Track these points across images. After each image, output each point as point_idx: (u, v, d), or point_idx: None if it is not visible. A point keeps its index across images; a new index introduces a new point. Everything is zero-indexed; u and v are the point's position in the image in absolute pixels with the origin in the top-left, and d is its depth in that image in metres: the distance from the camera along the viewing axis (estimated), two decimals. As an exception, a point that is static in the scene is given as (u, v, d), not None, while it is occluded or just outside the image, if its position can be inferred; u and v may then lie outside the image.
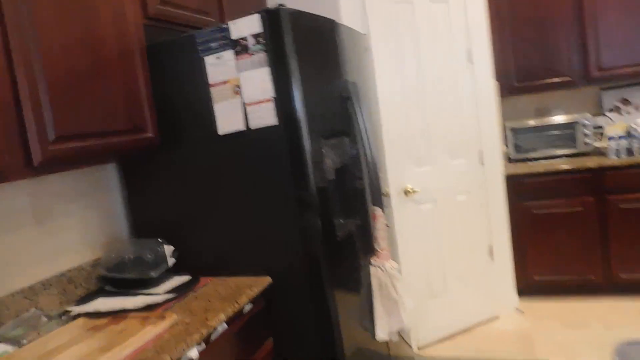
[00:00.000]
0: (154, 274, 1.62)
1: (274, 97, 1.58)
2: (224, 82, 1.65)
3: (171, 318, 1.36)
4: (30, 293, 1.51)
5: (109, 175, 1.89)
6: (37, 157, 1.27)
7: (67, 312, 1.51)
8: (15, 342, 1.33)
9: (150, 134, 1.68)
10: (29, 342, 1.32)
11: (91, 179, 1.80)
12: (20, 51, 1.25)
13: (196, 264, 1.78)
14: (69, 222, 1.69)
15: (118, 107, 1.54)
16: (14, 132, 1.23)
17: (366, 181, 2.03)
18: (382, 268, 1.99)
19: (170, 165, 1.78)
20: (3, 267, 1.46)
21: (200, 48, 1.68)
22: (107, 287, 1.65)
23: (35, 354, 1.24)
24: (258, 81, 1.60)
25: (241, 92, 1.63)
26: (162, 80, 1.74)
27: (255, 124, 1.63)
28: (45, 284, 1.56)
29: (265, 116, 1.61)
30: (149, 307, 1.47)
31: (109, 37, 1.53)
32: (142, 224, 1.88)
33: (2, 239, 1.47)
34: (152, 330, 1.29)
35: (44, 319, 1.44)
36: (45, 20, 1.33)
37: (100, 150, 1.46)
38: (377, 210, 2.02)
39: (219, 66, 1.66)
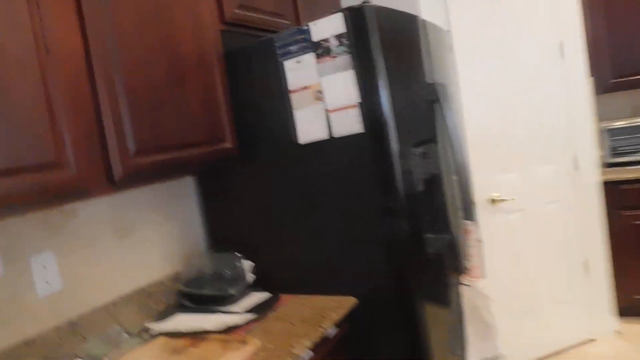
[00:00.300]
0: (232, 291, 1.54)
1: (360, 103, 1.46)
2: (305, 88, 1.55)
3: (253, 344, 1.26)
4: (112, 309, 1.48)
5: (187, 188, 1.84)
6: (118, 172, 1.22)
7: (147, 328, 1.46)
8: (98, 359, 1.29)
9: (228, 145, 1.60)
10: (111, 361, 1.27)
11: (169, 192, 1.76)
12: (101, 61, 1.21)
13: (275, 281, 1.68)
14: (148, 237, 1.66)
15: (197, 117, 1.47)
16: (95, 147, 1.18)
17: (456, 192, 1.86)
18: (474, 288, 1.81)
19: (248, 177, 1.70)
20: (86, 283, 1.44)
21: (279, 52, 1.58)
22: (186, 303, 1.59)
23: (117, 377, 1.19)
24: (342, 85, 1.48)
25: (323, 98, 1.52)
26: (238, 87, 1.67)
27: (338, 131, 1.51)
28: (126, 300, 1.53)
29: (350, 123, 1.48)
30: (229, 329, 1.39)
31: (187, 45, 1.47)
32: (220, 238, 1.81)
33: (85, 255, 1.45)
34: (234, 358, 1.19)
35: (125, 335, 1.40)
36: (125, 29, 1.28)
37: (180, 163, 1.40)
38: (469, 224, 1.84)
39: (299, 71, 1.55)
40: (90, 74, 1.18)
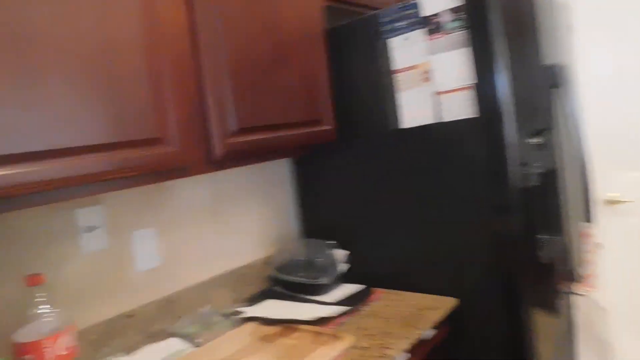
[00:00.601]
0: (324, 280, 1.47)
1: (475, 84, 1.31)
2: (412, 68, 1.42)
3: (346, 340, 1.18)
4: (205, 289, 1.48)
5: (283, 171, 1.80)
6: (218, 150, 1.18)
7: (238, 312, 1.43)
8: (190, 338, 1.28)
9: (328, 127, 1.52)
10: (203, 341, 1.26)
11: (265, 174, 1.73)
12: (207, 38, 1.17)
13: (368, 272, 1.59)
14: (242, 218, 1.64)
15: (298, 97, 1.41)
16: (197, 123, 1.15)
17: (574, 190, 1.64)
18: (589, 299, 1.60)
19: (345, 162, 1.61)
20: (181, 261, 1.44)
21: (384, 29, 1.47)
22: (276, 288, 1.55)
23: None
24: (454, 65, 1.34)
25: (432, 79, 1.38)
26: (339, 67, 1.58)
27: (448, 115, 1.37)
28: (218, 280, 1.52)
29: (462, 107, 1.34)
30: (320, 320, 1.32)
31: (290, 22, 1.40)
32: (314, 224, 1.76)
33: (182, 233, 1.45)
34: (326, 354, 1.12)
35: (217, 317, 1.38)
36: (231, 5, 1.23)
37: (279, 144, 1.35)
38: (587, 227, 1.63)
39: (406, 49, 1.43)
40: (195, 50, 1.15)
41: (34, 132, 0.84)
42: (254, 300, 1.52)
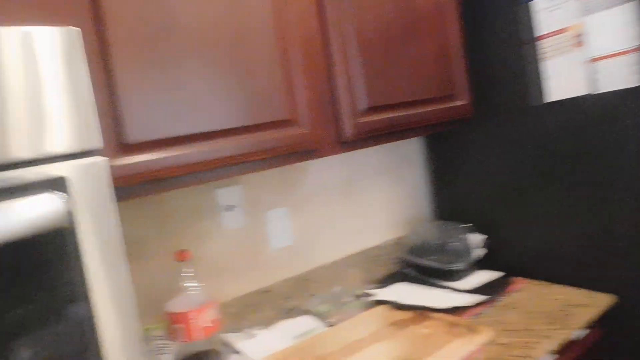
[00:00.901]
0: (459, 265, 1.39)
1: (643, 46, 1.11)
2: (560, 31, 1.25)
3: (484, 333, 1.10)
4: (336, 268, 1.50)
5: (414, 151, 1.74)
6: (348, 130, 1.17)
7: (368, 293, 1.43)
8: (323, 317, 1.31)
9: (463, 102, 1.42)
10: (334, 321, 1.28)
11: (395, 154, 1.68)
12: (335, 14, 1.16)
13: (507, 259, 1.47)
14: (373, 199, 1.62)
15: (430, 72, 1.33)
16: (327, 104, 1.15)
17: None
18: None
19: (482, 139, 1.49)
20: (313, 240, 1.48)
21: (526, -10, 1.31)
22: (408, 271, 1.51)
23: (340, 342, 1.19)
24: (615, 25, 1.14)
25: (586, 43, 1.20)
26: (474, 36, 1.45)
27: (605, 85, 1.18)
28: (349, 261, 1.53)
29: (624, 74, 1.14)
30: (455, 309, 1.26)
31: (420, -10, 1.33)
32: (448, 206, 1.67)
33: (313, 213, 1.48)
34: (462, 347, 1.06)
35: (348, 297, 1.40)
36: (357, -22, 1.20)
37: (411, 122, 1.29)
38: None
39: (553, 10, 1.26)
40: (323, 28, 1.14)
41: (180, 118, 0.91)
42: (384, 282, 1.50)
